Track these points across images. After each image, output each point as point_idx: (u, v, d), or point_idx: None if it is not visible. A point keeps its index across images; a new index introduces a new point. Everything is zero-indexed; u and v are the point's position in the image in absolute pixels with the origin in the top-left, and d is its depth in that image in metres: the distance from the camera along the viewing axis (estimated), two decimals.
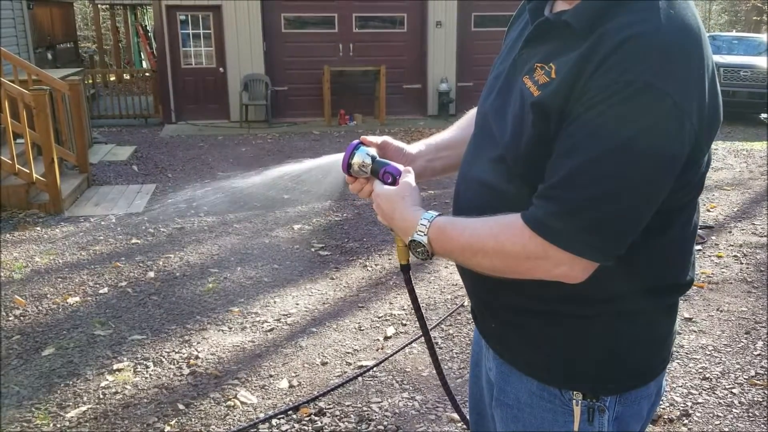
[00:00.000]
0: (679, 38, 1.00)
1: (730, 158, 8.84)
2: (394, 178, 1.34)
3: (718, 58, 12.29)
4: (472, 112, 1.48)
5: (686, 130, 1.00)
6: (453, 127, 1.55)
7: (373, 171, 1.36)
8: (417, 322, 3.86)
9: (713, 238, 5.47)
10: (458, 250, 1.17)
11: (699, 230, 5.30)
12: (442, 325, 3.88)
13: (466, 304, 4.14)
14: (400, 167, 1.34)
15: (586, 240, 1.03)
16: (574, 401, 1.19)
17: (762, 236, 5.48)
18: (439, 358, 3.47)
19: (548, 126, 1.05)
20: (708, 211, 6.27)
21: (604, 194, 0.99)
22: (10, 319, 3.96)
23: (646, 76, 0.96)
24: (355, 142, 1.40)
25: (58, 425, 2.92)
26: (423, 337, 1.48)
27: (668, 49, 0.98)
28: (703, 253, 5.11)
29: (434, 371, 3.33)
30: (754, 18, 24.98)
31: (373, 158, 1.37)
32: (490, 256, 1.12)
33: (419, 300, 1.51)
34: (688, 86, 0.99)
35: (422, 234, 1.19)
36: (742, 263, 4.88)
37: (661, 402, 3.06)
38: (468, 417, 1.58)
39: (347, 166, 1.38)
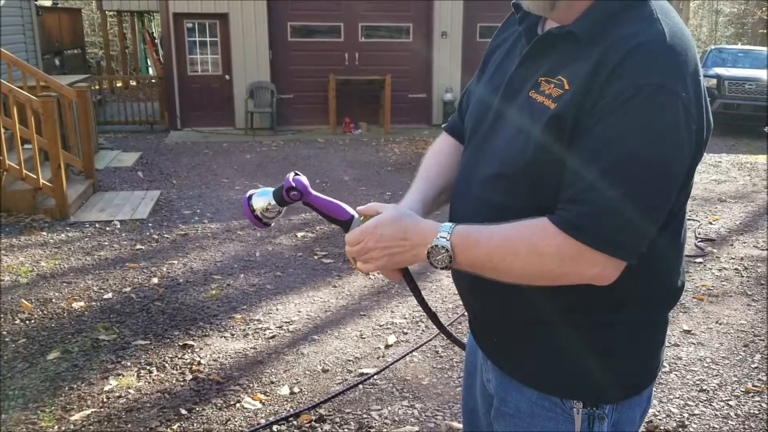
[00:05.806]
0: (679, 42, 1.07)
1: (734, 171, 8.86)
2: (301, 193, 1.24)
3: (722, 71, 12.31)
4: (427, 166, 1.45)
5: (692, 130, 1.07)
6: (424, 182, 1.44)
7: (281, 202, 1.27)
8: (417, 331, 3.92)
9: (714, 251, 5.49)
10: (485, 255, 1.13)
11: (700, 243, 5.23)
12: (443, 335, 3.90)
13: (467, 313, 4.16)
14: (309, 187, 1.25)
15: (618, 239, 1.06)
16: (574, 410, 1.22)
17: (763, 249, 5.50)
18: (440, 367, 3.52)
19: (562, 136, 1.08)
20: (710, 223, 6.29)
21: (632, 194, 1.03)
22: (16, 322, 4.00)
23: (657, 78, 1.03)
24: (246, 194, 1.29)
25: (63, 428, 2.95)
26: (412, 292, 1.39)
27: (672, 53, 1.05)
28: (704, 265, 5.13)
29: (434, 380, 3.37)
30: (761, 31, 24.99)
31: (272, 193, 1.28)
32: (522, 259, 1.10)
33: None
34: (689, 87, 1.06)
35: (445, 239, 1.14)
36: (742, 276, 4.90)
37: (657, 413, 3.09)
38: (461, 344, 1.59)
39: (263, 224, 1.29)
